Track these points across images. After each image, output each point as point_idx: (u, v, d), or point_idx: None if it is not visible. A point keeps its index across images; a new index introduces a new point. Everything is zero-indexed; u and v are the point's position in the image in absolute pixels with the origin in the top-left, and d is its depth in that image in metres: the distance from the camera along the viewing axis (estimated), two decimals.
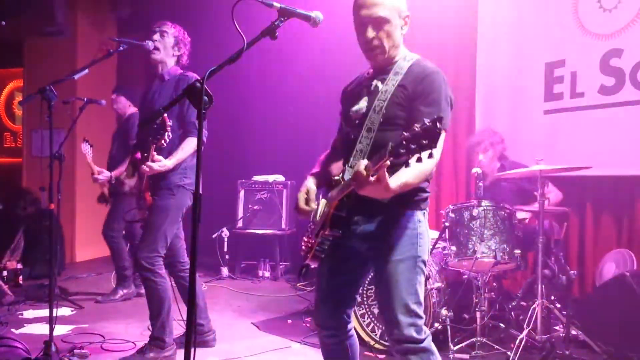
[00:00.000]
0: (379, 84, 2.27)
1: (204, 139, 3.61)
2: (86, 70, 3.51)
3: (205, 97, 1.77)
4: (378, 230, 2.25)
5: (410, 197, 2.22)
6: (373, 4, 2.20)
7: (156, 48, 3.68)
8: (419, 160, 1.74)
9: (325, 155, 2.62)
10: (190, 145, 3.55)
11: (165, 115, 3.25)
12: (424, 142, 1.71)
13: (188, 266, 3.78)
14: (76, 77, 3.51)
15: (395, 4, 2.23)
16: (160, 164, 3.43)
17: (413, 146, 1.72)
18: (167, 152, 3.50)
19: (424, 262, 2.26)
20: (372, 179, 1.90)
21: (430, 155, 1.74)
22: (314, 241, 2.28)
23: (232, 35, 1.97)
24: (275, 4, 2.01)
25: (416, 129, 1.72)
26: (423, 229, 2.28)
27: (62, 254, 6.84)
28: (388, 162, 1.85)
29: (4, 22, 6.30)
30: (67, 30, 7.02)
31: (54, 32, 6.94)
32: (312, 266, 2.34)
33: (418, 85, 2.18)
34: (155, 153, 3.41)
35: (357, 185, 1.95)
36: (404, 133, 1.74)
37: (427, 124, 1.71)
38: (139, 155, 3.57)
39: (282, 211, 6.65)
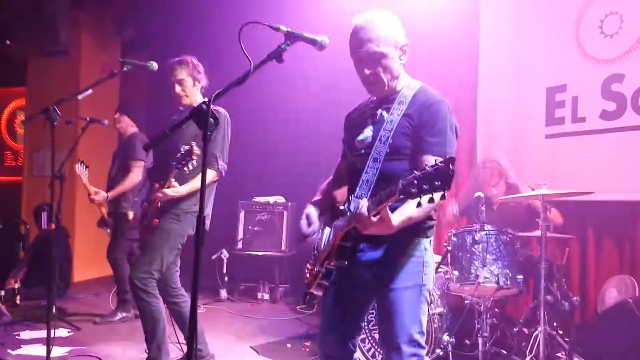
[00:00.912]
0: (384, 114, 2.26)
1: (223, 172, 3.62)
2: (90, 91, 3.51)
3: (211, 119, 1.77)
4: (383, 258, 2.22)
5: (416, 225, 2.19)
6: (367, 40, 2.19)
7: (181, 97, 3.70)
8: (431, 200, 1.73)
9: (328, 182, 2.59)
10: (207, 176, 3.51)
11: (194, 143, 3.26)
12: (436, 183, 1.69)
13: (180, 292, 3.75)
14: (80, 97, 3.52)
15: (390, 36, 2.22)
16: (174, 189, 3.43)
17: (425, 186, 1.70)
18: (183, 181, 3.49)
19: (428, 291, 2.24)
20: (374, 219, 1.92)
21: (443, 197, 1.73)
22: (318, 270, 2.25)
23: (238, 56, 1.97)
24: (282, 27, 2.02)
25: (428, 168, 1.71)
26: (429, 257, 2.26)
27: (69, 273, 6.80)
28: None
29: (8, 42, 6.34)
30: (70, 51, 7.06)
31: (57, 52, 6.97)
32: (317, 294, 2.30)
33: (423, 115, 2.18)
34: (173, 179, 3.40)
35: (360, 227, 1.98)
36: (415, 172, 1.73)
37: (440, 164, 1.69)
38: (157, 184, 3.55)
39: (282, 233, 6.62)
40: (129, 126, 5.43)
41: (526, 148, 5.27)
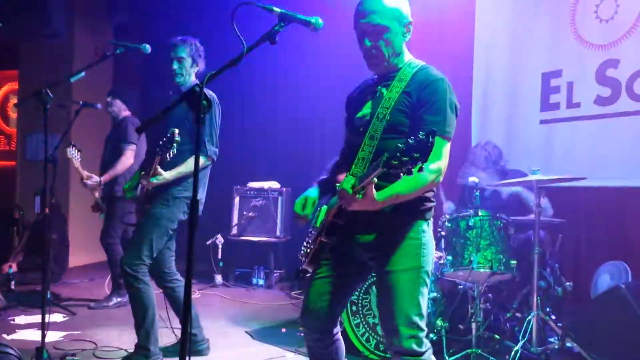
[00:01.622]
0: (384, 90, 2.25)
1: (214, 157, 3.62)
2: (82, 74, 3.48)
3: (204, 102, 1.75)
4: (381, 240, 2.22)
5: (414, 207, 2.20)
6: (371, 12, 2.18)
7: (177, 74, 3.66)
8: (409, 173, 1.74)
9: (334, 162, 2.59)
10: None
11: (176, 130, 3.24)
12: (415, 155, 1.71)
13: (175, 277, 3.75)
14: (72, 80, 3.48)
15: (395, 11, 2.21)
16: (160, 177, 3.41)
17: (405, 159, 1.72)
18: (172, 166, 3.47)
19: (427, 273, 2.23)
20: (359, 195, 1.92)
21: (421, 169, 1.74)
22: (312, 247, 2.27)
23: (231, 39, 1.96)
24: (275, 8, 2.00)
25: (410, 141, 1.72)
26: (427, 239, 2.25)
27: (66, 259, 6.80)
28: (375, 180, 1.85)
29: (0, 25, 6.28)
30: (63, 34, 7.00)
31: (50, 36, 6.92)
32: (310, 270, 2.31)
33: (422, 93, 2.17)
34: (158, 166, 3.38)
35: (344, 202, 1.98)
36: (398, 145, 1.73)
37: (421, 137, 1.71)
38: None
39: (277, 218, 6.61)
40: (121, 110, 5.39)
41: (520, 133, 5.28)
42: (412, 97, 2.17)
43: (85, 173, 5.02)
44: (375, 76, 2.37)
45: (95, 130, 6.68)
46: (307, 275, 2.35)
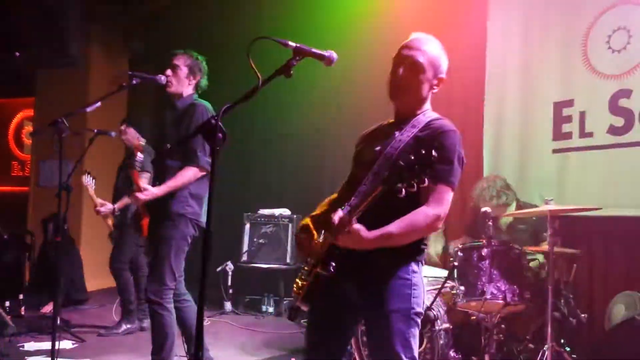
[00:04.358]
0: (397, 133, 2.27)
1: (208, 167, 3.53)
2: (99, 103, 3.54)
3: (220, 134, 1.77)
4: (371, 281, 2.19)
5: (404, 248, 2.17)
6: (416, 48, 2.27)
7: (169, 82, 3.68)
8: (411, 187, 1.75)
9: (329, 199, 2.56)
10: (186, 174, 3.47)
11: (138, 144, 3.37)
12: (416, 167, 1.73)
13: (183, 297, 3.72)
14: (89, 109, 3.54)
15: (436, 61, 2.29)
16: (147, 192, 3.42)
17: (406, 175, 1.74)
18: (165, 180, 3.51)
19: (418, 315, 2.20)
20: (347, 229, 1.91)
21: (422, 182, 1.75)
22: (307, 280, 2.21)
23: (244, 70, 1.98)
24: (290, 42, 2.02)
25: (410, 157, 1.75)
26: (418, 280, 2.22)
27: (82, 282, 6.81)
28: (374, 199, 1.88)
29: (18, 53, 6.39)
30: (79, 62, 7.10)
31: (66, 64, 7.02)
32: (303, 309, 2.24)
33: (433, 141, 2.15)
34: (142, 181, 3.41)
35: (331, 234, 1.97)
36: (400, 162, 1.76)
37: (422, 152, 1.74)
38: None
39: (287, 245, 6.59)
40: (135, 138, 5.43)
41: (533, 163, 5.25)
42: (422, 143, 2.18)
43: (99, 201, 5.05)
44: (392, 120, 2.40)
45: (109, 158, 6.74)
46: (300, 313, 2.27)
